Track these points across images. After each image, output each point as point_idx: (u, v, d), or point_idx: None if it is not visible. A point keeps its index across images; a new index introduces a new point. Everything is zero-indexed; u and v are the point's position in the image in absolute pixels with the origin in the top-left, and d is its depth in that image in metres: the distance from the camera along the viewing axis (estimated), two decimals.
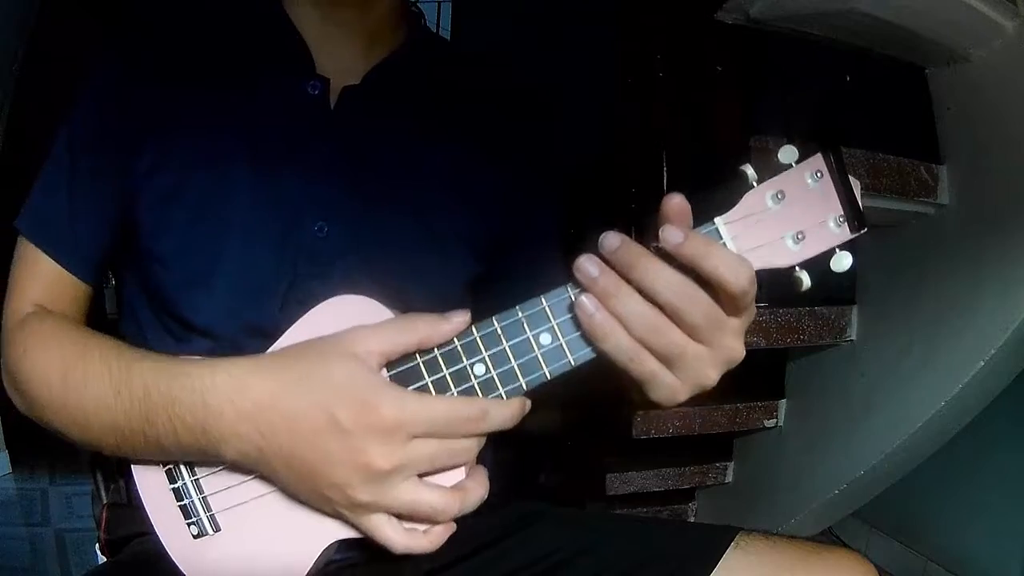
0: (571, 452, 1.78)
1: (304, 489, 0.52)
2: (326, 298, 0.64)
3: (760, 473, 1.72)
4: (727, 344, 0.49)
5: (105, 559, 0.72)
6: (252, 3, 0.70)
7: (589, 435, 1.64)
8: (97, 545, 0.73)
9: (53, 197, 0.67)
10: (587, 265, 0.48)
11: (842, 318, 1.49)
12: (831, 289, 1.49)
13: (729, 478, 1.79)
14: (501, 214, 0.72)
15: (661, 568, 0.66)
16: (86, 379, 0.57)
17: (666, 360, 0.49)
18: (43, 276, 0.67)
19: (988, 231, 1.23)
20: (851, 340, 1.50)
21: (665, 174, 1.88)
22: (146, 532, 0.59)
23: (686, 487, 1.80)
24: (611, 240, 0.48)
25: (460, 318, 0.52)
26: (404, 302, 0.67)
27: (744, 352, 0.50)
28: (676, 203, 0.48)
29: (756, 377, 1.72)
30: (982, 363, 1.22)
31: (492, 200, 0.72)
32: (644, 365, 0.49)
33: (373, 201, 0.66)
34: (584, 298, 0.48)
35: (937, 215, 1.34)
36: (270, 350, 0.57)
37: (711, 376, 0.50)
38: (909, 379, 1.35)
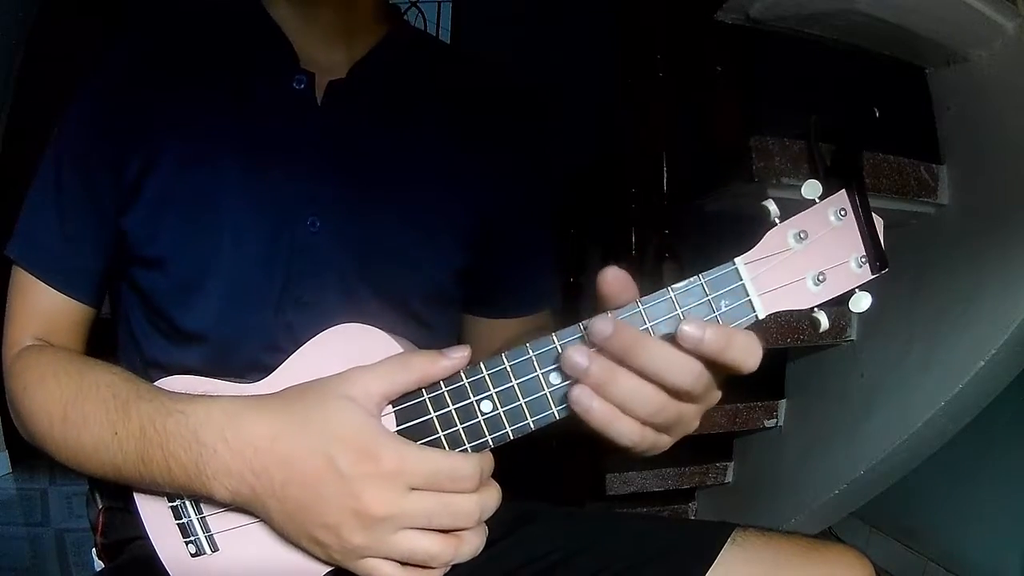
0: (571, 452, 1.78)
1: (296, 531, 0.51)
2: (321, 295, 0.64)
3: (760, 473, 1.72)
4: (710, 399, 0.49)
5: (101, 563, 0.72)
6: (236, 4, 0.70)
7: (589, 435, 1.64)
8: (94, 550, 0.72)
9: (44, 219, 0.66)
10: (575, 357, 0.45)
11: (842, 318, 1.49)
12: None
13: (729, 478, 1.79)
14: (492, 207, 0.72)
15: (659, 566, 0.65)
16: (84, 419, 0.57)
17: (664, 429, 0.49)
18: (40, 304, 0.66)
19: (988, 231, 1.23)
20: (851, 340, 1.50)
21: (665, 174, 1.88)
22: (143, 536, 0.59)
23: (686, 487, 1.80)
24: (601, 327, 0.45)
25: (459, 354, 0.51)
26: (397, 294, 0.67)
27: (720, 396, 0.50)
28: (612, 277, 0.47)
29: (756, 377, 1.71)
30: (982, 363, 1.22)
31: (483, 193, 0.72)
32: (646, 442, 0.48)
33: (364, 195, 0.66)
34: (577, 391, 0.46)
35: (937, 215, 1.34)
36: (266, 380, 0.57)
37: (695, 426, 0.50)
38: (909, 379, 1.35)
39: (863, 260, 0.48)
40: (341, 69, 0.68)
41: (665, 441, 0.50)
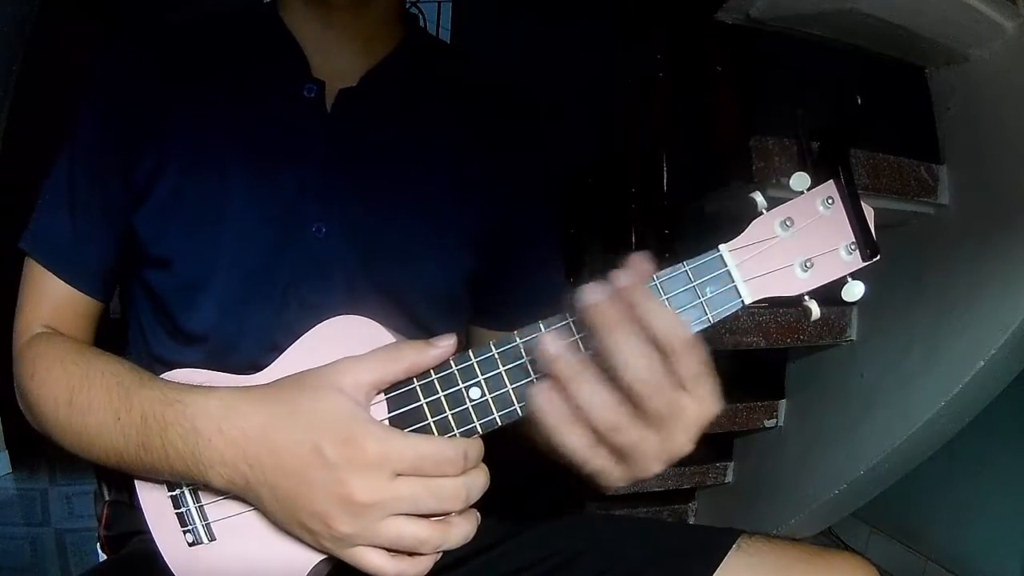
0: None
1: (288, 519, 0.52)
2: (325, 299, 0.64)
3: (760, 473, 1.72)
4: (678, 438, 0.47)
5: (105, 555, 0.72)
6: (249, 10, 0.71)
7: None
8: (98, 542, 0.73)
9: (56, 215, 0.67)
10: (548, 345, 0.46)
11: (842, 318, 1.49)
12: (831, 289, 1.50)
13: (729, 478, 1.79)
14: (498, 211, 0.72)
15: (662, 570, 0.65)
16: (89, 404, 0.58)
17: (618, 456, 0.47)
18: (50, 295, 0.68)
19: (988, 231, 1.23)
20: (851, 340, 1.50)
21: (665, 174, 1.88)
22: (144, 531, 0.59)
23: (686, 487, 1.80)
24: (591, 293, 0.45)
25: (446, 342, 0.52)
26: (404, 301, 0.67)
27: (691, 449, 0.47)
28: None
29: (756, 377, 1.72)
30: (982, 363, 1.22)
31: (490, 198, 0.72)
32: (595, 462, 0.47)
33: (371, 201, 0.67)
34: (536, 387, 0.47)
35: (937, 215, 1.34)
36: (265, 371, 0.58)
37: (653, 470, 0.48)
38: (909, 379, 1.35)
39: (853, 247, 0.48)
40: (353, 77, 0.68)
41: (619, 475, 0.48)
